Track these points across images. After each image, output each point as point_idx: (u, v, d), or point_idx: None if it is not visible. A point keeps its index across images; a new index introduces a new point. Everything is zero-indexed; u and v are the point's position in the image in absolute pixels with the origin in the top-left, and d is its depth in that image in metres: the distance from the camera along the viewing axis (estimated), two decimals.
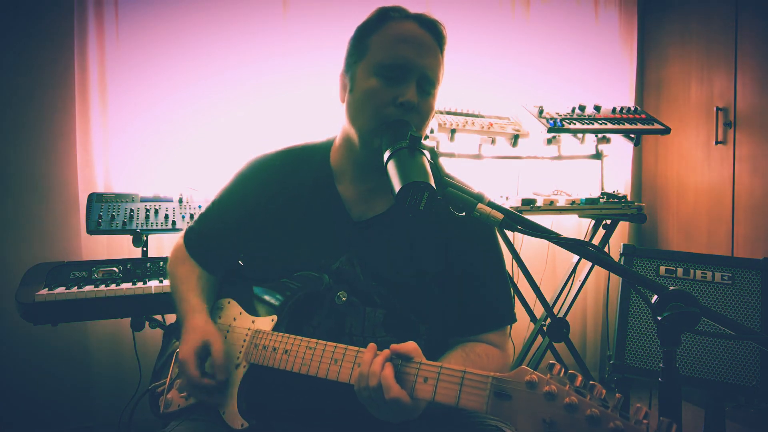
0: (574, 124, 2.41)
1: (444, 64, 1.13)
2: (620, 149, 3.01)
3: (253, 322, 1.10)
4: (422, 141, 0.97)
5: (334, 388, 0.91)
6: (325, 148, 1.23)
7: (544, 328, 2.47)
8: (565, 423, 0.64)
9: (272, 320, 1.07)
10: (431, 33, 1.09)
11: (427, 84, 1.07)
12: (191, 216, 2.13)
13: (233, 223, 1.22)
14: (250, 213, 1.20)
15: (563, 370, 0.68)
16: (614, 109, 2.55)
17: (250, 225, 1.20)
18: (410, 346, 0.85)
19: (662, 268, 2.09)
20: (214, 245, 1.25)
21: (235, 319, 1.15)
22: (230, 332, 1.13)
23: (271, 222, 1.17)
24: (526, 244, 2.91)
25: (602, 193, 2.46)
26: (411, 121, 1.05)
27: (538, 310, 2.55)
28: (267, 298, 1.12)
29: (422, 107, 1.07)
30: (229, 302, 1.20)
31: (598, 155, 2.62)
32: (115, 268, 1.88)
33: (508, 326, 1.17)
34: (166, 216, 2.10)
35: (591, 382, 0.65)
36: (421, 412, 0.85)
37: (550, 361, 0.70)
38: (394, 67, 1.05)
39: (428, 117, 1.11)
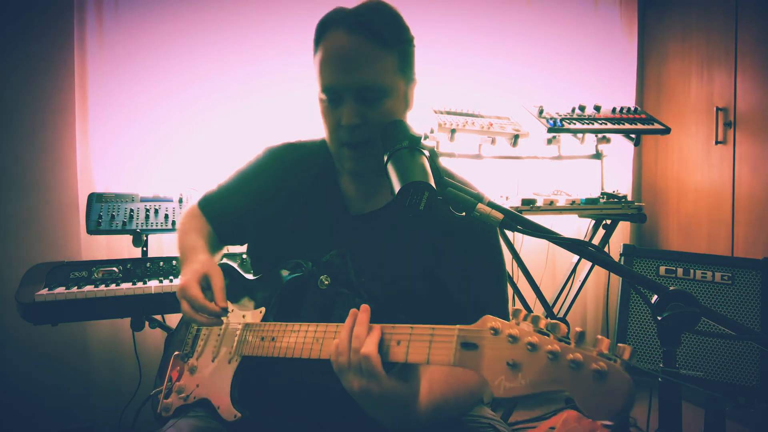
0: (574, 124, 2.41)
1: (400, 54, 1.05)
2: (620, 149, 3.00)
3: (243, 316, 1.12)
4: (422, 141, 0.97)
5: (325, 379, 0.91)
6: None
7: None
8: (528, 362, 0.65)
9: (261, 312, 1.09)
10: (364, 35, 1.00)
11: (369, 93, 1.02)
12: None
13: (243, 207, 1.25)
14: (257, 203, 1.23)
15: (528, 315, 0.69)
16: (614, 109, 2.55)
17: (255, 215, 1.23)
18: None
19: (662, 268, 2.09)
20: (228, 210, 1.29)
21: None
22: (223, 330, 1.15)
23: (273, 213, 1.20)
24: (526, 244, 2.91)
25: (602, 193, 2.46)
26: (371, 132, 1.03)
27: (538, 310, 2.55)
28: (256, 291, 1.15)
29: (372, 118, 1.03)
30: None
31: (598, 155, 2.62)
32: (115, 268, 1.88)
33: None
34: (166, 216, 2.10)
35: (553, 321, 0.67)
36: (410, 403, 0.83)
37: (515, 308, 0.71)
38: (328, 91, 1.04)
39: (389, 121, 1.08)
